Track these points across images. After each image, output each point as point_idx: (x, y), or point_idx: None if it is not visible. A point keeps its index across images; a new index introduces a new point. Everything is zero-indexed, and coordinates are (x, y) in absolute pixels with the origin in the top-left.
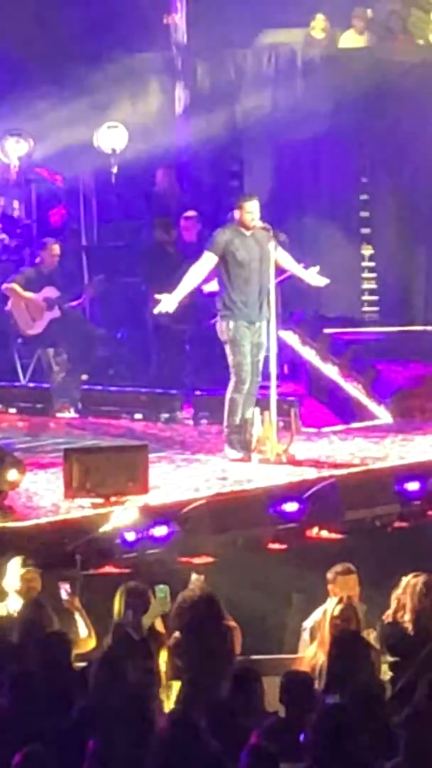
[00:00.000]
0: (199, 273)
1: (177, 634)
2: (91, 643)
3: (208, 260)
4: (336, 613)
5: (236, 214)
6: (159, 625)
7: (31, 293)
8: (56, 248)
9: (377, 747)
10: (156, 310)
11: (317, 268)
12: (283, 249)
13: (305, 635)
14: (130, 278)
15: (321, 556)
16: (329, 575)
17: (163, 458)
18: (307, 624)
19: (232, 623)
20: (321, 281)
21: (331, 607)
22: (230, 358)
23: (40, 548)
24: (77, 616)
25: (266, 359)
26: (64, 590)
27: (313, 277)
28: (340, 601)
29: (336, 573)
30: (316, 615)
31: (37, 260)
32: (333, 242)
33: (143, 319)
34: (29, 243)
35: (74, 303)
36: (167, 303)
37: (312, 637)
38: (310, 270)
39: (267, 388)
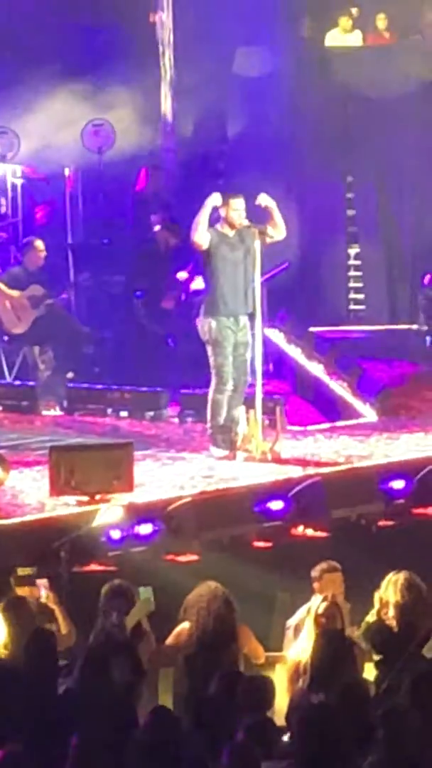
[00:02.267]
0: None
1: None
2: (71, 640)
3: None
4: (320, 611)
5: (222, 211)
6: (144, 624)
7: (16, 291)
8: (41, 246)
9: (360, 745)
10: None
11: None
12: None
13: (289, 633)
14: (115, 276)
15: (306, 555)
16: (314, 573)
17: (148, 456)
18: (292, 622)
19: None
20: (281, 232)
21: (315, 604)
22: (211, 359)
23: (25, 546)
24: (57, 613)
25: (252, 358)
26: (43, 587)
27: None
28: (324, 599)
29: (322, 570)
30: (300, 613)
31: (23, 258)
32: (319, 241)
33: (128, 317)
34: (15, 241)
35: (57, 299)
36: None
37: (296, 635)
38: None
39: (252, 386)
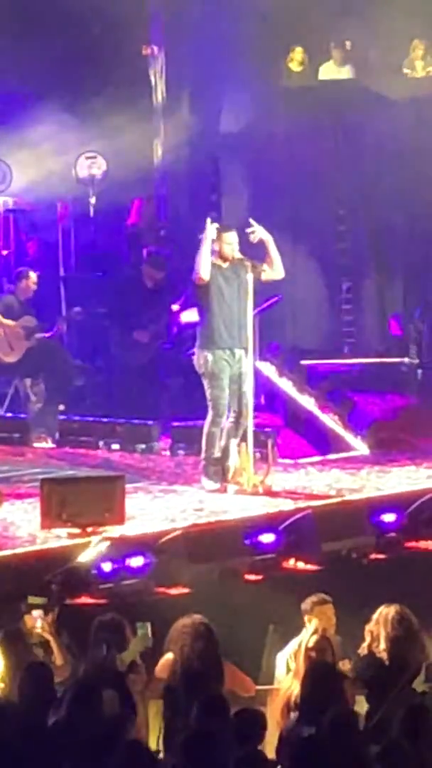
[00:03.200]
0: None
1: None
2: (67, 671)
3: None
4: (311, 644)
5: (215, 245)
6: (136, 657)
7: (9, 321)
8: (34, 277)
9: None
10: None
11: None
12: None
13: (281, 666)
14: (107, 308)
15: (297, 588)
16: (305, 605)
17: (139, 489)
18: (283, 655)
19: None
20: (278, 272)
21: (306, 638)
22: (208, 392)
23: (16, 578)
24: (52, 644)
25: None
26: (39, 618)
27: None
28: (314, 632)
29: (312, 603)
30: (292, 646)
31: (15, 289)
32: (310, 273)
33: (118, 346)
34: (7, 273)
35: (47, 334)
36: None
37: (288, 668)
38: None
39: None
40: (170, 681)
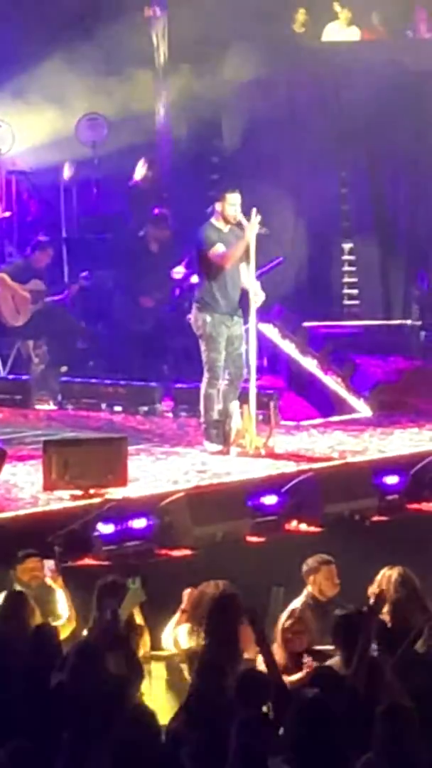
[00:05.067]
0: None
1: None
2: (72, 626)
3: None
4: (286, 625)
5: (218, 206)
6: (138, 617)
7: (18, 284)
8: (51, 252)
9: (354, 740)
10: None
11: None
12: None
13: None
14: (110, 271)
15: (299, 549)
16: (306, 566)
17: (142, 451)
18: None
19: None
20: (258, 297)
21: (298, 603)
22: (204, 354)
23: (18, 540)
24: (59, 596)
25: (246, 352)
26: (48, 568)
27: (256, 291)
28: (290, 615)
29: (315, 562)
30: (293, 606)
31: (29, 253)
32: (313, 236)
33: (122, 312)
34: (8, 235)
35: (56, 297)
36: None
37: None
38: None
39: (246, 381)
40: (189, 650)
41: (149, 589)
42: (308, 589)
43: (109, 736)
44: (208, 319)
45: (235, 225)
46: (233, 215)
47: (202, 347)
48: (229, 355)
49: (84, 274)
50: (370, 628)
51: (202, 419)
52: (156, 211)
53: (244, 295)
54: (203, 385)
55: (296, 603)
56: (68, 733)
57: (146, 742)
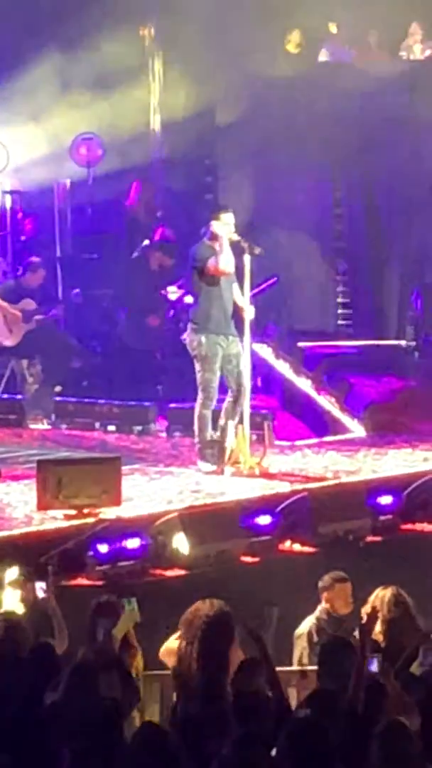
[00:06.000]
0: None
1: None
2: (64, 645)
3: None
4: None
5: (212, 226)
6: (131, 637)
7: (8, 304)
8: (43, 273)
9: (354, 760)
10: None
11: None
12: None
13: (300, 643)
14: (104, 290)
15: (293, 570)
16: (322, 583)
17: (136, 470)
18: (301, 631)
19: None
20: (249, 313)
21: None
22: (199, 374)
23: (12, 559)
24: (52, 616)
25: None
26: (41, 589)
27: (246, 307)
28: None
29: (331, 580)
30: (307, 623)
31: (20, 273)
32: (307, 255)
33: (116, 331)
34: (2, 253)
35: (47, 315)
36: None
37: (309, 644)
38: (245, 299)
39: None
40: (181, 668)
41: (142, 609)
42: (322, 605)
43: (105, 755)
44: (203, 339)
45: (233, 244)
46: (228, 235)
47: (197, 368)
48: (230, 373)
49: (75, 291)
50: (363, 648)
51: (196, 439)
52: (165, 234)
53: (239, 314)
54: (197, 406)
55: (310, 619)
56: (63, 753)
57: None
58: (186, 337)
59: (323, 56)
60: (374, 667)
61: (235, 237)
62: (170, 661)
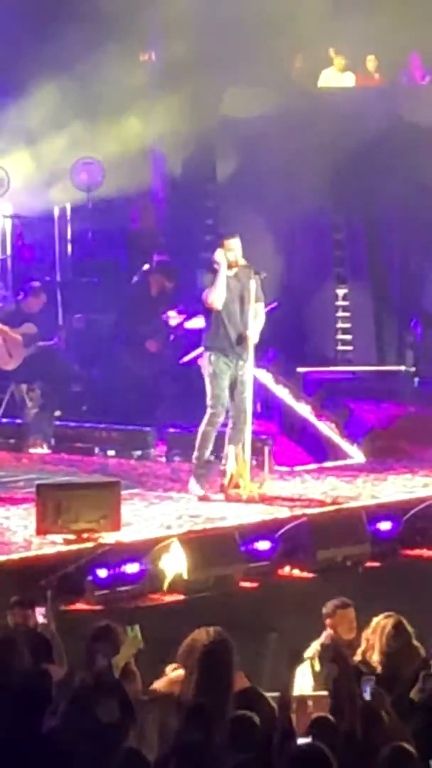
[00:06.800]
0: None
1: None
2: (62, 671)
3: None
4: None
5: (215, 254)
6: (131, 665)
7: (8, 327)
8: (44, 297)
9: None
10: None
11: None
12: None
13: (305, 668)
14: (104, 315)
15: (292, 595)
16: (326, 609)
17: (135, 495)
18: (308, 654)
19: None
20: (254, 337)
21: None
22: (209, 391)
23: (11, 584)
24: (51, 641)
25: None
26: (41, 615)
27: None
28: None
29: (334, 606)
30: (313, 648)
31: (21, 298)
32: (307, 281)
33: (116, 356)
34: (3, 278)
35: (48, 342)
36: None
37: (313, 671)
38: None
39: None
40: (181, 696)
41: (142, 634)
42: (327, 631)
43: None
44: (213, 357)
45: (241, 267)
46: (234, 260)
47: (207, 386)
48: (234, 398)
49: (77, 317)
50: (350, 676)
51: (194, 455)
52: (160, 258)
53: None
54: (203, 422)
55: (315, 645)
56: None
57: None
58: (200, 361)
59: (323, 82)
60: (368, 693)
61: (242, 261)
62: (173, 690)
